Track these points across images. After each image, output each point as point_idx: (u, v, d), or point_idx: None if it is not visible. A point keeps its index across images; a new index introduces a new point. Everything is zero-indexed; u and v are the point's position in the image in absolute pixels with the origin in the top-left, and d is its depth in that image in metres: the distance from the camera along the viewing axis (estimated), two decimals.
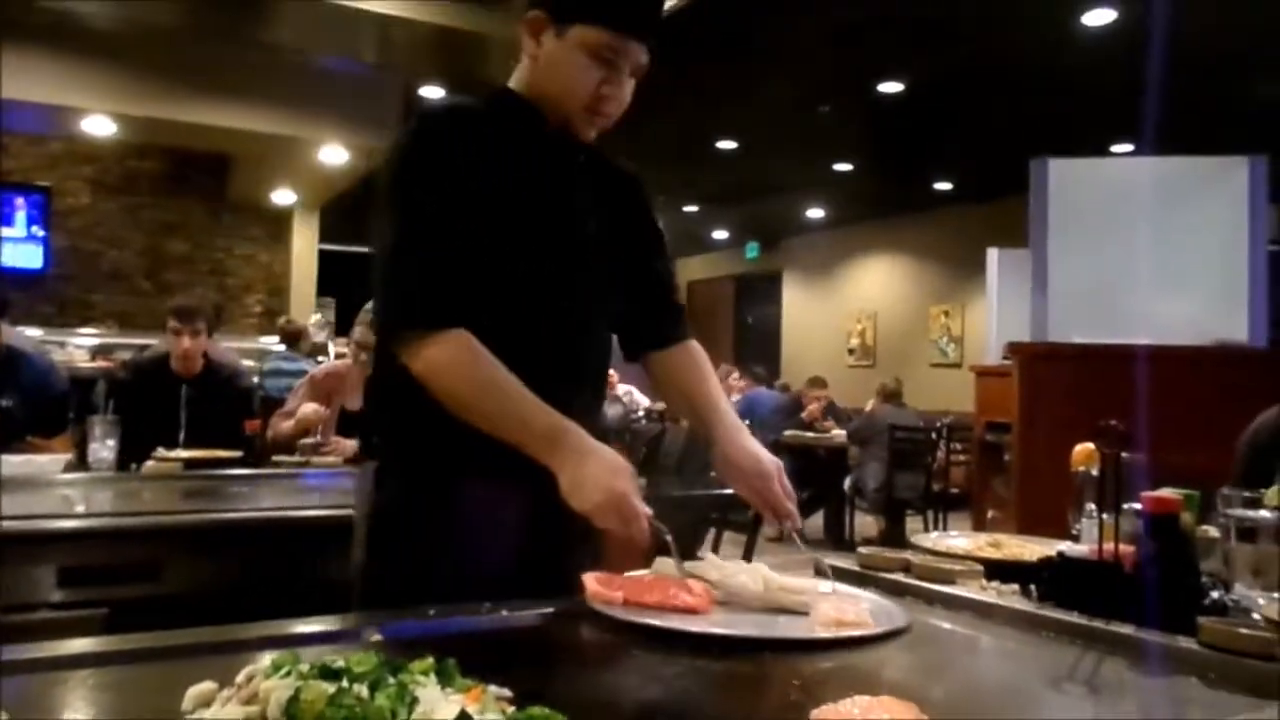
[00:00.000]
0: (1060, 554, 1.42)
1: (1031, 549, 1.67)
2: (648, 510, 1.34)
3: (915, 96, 7.61)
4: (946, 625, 1.30)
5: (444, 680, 0.83)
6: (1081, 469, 1.73)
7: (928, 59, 6.86)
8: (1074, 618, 1.25)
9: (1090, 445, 1.74)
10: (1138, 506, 1.38)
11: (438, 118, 1.53)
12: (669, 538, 1.38)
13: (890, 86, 7.42)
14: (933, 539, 1.78)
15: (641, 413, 9.49)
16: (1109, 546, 1.34)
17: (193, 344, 3.63)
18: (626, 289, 1.70)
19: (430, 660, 0.86)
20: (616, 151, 1.78)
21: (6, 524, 2.19)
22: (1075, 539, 1.65)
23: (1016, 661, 1.20)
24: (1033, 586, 1.41)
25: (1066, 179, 4.14)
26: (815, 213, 13.10)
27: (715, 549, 4.13)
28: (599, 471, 1.34)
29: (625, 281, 1.69)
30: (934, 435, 7.65)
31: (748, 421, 5.98)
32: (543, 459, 1.37)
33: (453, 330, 1.41)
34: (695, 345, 1.78)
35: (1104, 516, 1.39)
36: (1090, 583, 1.32)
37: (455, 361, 1.41)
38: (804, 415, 8.25)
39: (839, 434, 8.13)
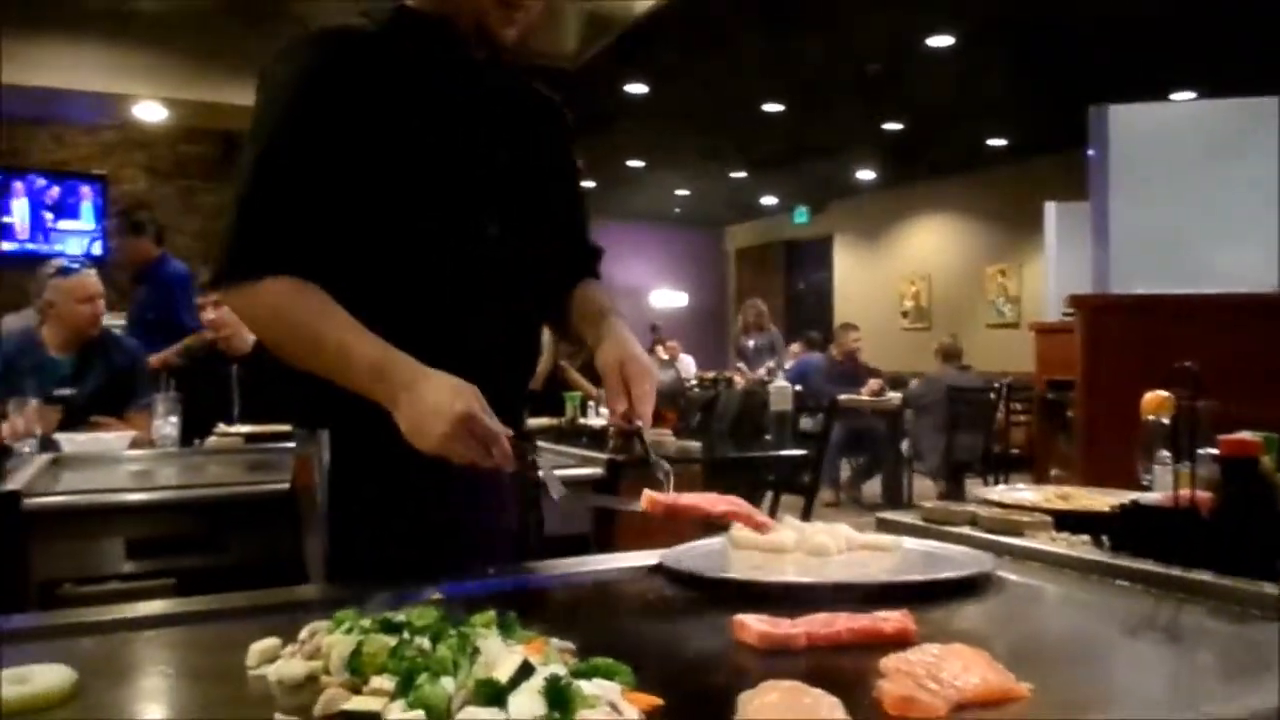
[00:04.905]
0: (1133, 502, 1.37)
1: (1101, 500, 1.62)
2: (506, 429, 1.19)
3: (966, 50, 7.43)
4: (1016, 577, 1.26)
5: (505, 633, 0.82)
6: (1152, 417, 1.68)
7: (978, 9, 6.69)
8: (1150, 566, 1.21)
9: (1161, 393, 1.69)
10: (1213, 452, 1.33)
11: (302, 45, 1.35)
12: (665, 475, 1.30)
13: (940, 40, 7.25)
14: (999, 492, 1.74)
15: (694, 379, 9.46)
16: (1185, 493, 1.30)
17: (217, 314, 3.69)
18: (542, 232, 1.51)
19: (491, 613, 0.85)
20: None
21: (76, 498, 2.24)
22: (1145, 490, 1.61)
23: (1091, 611, 1.16)
24: (1104, 537, 1.37)
25: (1128, 126, 4.01)
26: (865, 174, 12.91)
27: (772, 512, 4.11)
28: (436, 398, 1.17)
29: (541, 223, 1.50)
30: (993, 395, 7.53)
31: (799, 388, 5.88)
32: (377, 400, 1.21)
33: (276, 277, 1.26)
34: (595, 280, 1.61)
35: (1179, 463, 1.34)
36: (1166, 530, 1.27)
37: (275, 305, 1.27)
38: (864, 391, 8.12)
39: (894, 397, 8.04)
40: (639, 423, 1.36)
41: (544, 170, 1.52)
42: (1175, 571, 1.18)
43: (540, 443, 3.21)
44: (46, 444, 2.99)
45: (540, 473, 1.30)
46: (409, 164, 1.33)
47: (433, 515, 1.34)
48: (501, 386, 1.25)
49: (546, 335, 4.67)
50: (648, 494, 1.23)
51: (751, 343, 9.92)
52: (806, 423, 5.91)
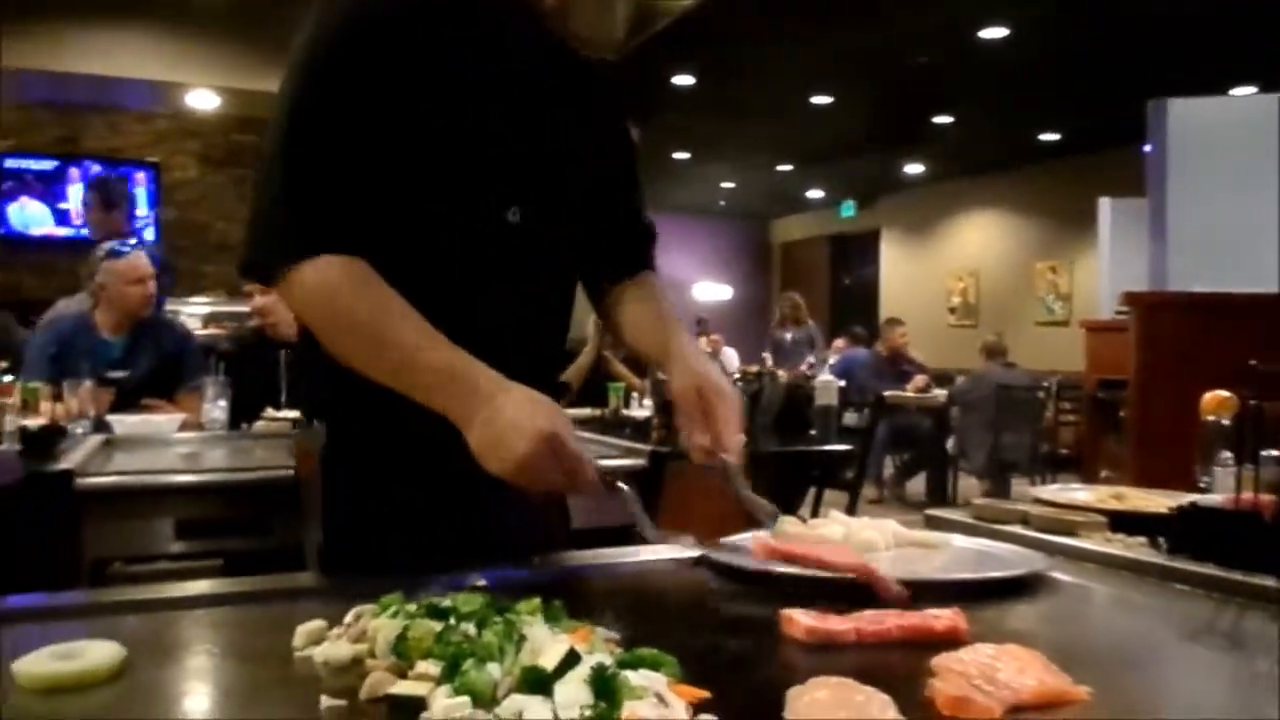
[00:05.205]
0: (1193, 504, 1.33)
1: (1157, 501, 1.58)
2: (589, 455, 1.09)
3: (1020, 42, 7.30)
4: (1069, 578, 1.23)
5: (551, 620, 0.82)
6: (1211, 418, 1.64)
7: (1033, 1, 6.57)
8: (1210, 569, 1.18)
9: (1223, 393, 1.64)
10: (1277, 454, 1.29)
11: (331, 9, 1.22)
12: (770, 517, 1.22)
13: (993, 32, 7.14)
14: (1051, 491, 1.70)
15: (737, 373, 9.42)
16: (1247, 496, 1.26)
17: (264, 300, 3.73)
18: (595, 215, 1.41)
19: (537, 601, 0.84)
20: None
21: (128, 479, 2.27)
22: (1203, 492, 1.56)
23: (1148, 614, 1.13)
24: (1161, 539, 1.34)
25: (1187, 121, 3.92)
26: (914, 168, 12.77)
27: (815, 509, 4.08)
28: (517, 414, 1.05)
29: (594, 205, 1.40)
30: (1041, 394, 7.42)
31: (844, 383, 5.84)
32: (445, 413, 1.08)
33: (326, 256, 1.14)
34: (654, 276, 1.49)
35: (1241, 465, 1.30)
36: (1227, 533, 1.23)
37: (323, 290, 1.14)
38: (909, 388, 8.03)
39: (940, 394, 7.95)
40: (726, 457, 1.22)
41: (588, 147, 1.39)
42: (1237, 576, 1.15)
43: (583, 434, 3.21)
44: (99, 425, 3.04)
45: (634, 511, 1.18)
46: (435, 141, 1.22)
47: (429, 511, 1.25)
48: (526, 378, 1.12)
49: (591, 327, 4.68)
50: (759, 540, 1.17)
51: (789, 336, 9.85)
52: (850, 418, 5.86)
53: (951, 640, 0.90)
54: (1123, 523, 1.42)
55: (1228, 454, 1.50)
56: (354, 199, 1.18)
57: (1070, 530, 1.38)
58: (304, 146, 1.18)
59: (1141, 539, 1.36)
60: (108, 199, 4.83)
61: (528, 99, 1.30)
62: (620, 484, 1.15)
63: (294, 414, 3.40)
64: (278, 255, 1.17)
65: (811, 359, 9.42)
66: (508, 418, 1.05)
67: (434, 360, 1.09)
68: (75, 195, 8.83)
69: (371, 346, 1.13)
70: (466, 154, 1.24)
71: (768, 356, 9.88)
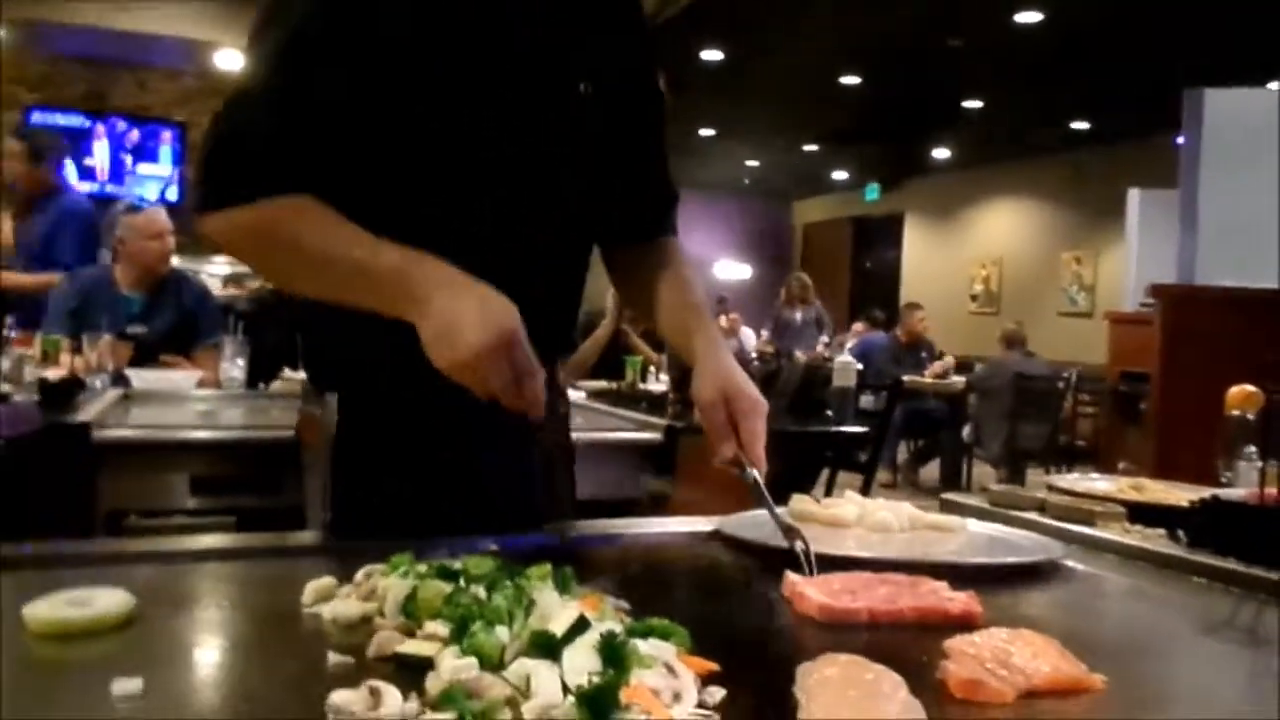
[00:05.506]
0: (1214, 497, 1.31)
1: (1177, 494, 1.56)
2: (541, 371, 1.03)
3: (1054, 26, 7.20)
4: (1085, 567, 1.22)
5: (561, 587, 0.81)
6: (1236, 412, 1.62)
7: None
8: (1229, 564, 1.16)
9: (1249, 387, 1.62)
10: None
11: None
12: (805, 554, 1.04)
13: (1028, 16, 7.04)
14: (1070, 480, 1.68)
15: (754, 354, 9.40)
16: (1271, 491, 1.24)
17: None
18: (612, 162, 1.32)
19: (548, 566, 0.83)
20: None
21: (144, 433, 2.29)
22: (1224, 486, 1.55)
23: (1165, 606, 1.12)
24: (1180, 531, 1.32)
25: (1223, 113, 3.86)
26: (941, 153, 12.65)
27: (829, 489, 4.07)
28: (472, 305, 1.00)
29: (612, 151, 1.31)
30: (1061, 385, 7.37)
31: (861, 367, 5.80)
32: (400, 313, 1.02)
33: (282, 198, 1.08)
34: (677, 243, 1.42)
35: (1266, 460, 1.28)
36: (1249, 528, 1.21)
37: (266, 228, 1.08)
38: (928, 373, 7.97)
39: (958, 380, 7.91)
40: (752, 470, 1.15)
41: (612, 93, 1.29)
42: (1257, 571, 1.13)
43: (599, 405, 3.21)
44: (117, 379, 3.06)
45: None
46: (443, 75, 1.13)
47: (438, 484, 1.20)
48: (536, 335, 1.05)
49: (611, 300, 4.66)
50: (795, 585, 0.96)
51: (798, 315, 9.78)
52: (867, 401, 5.84)
53: (965, 624, 0.89)
54: (1142, 514, 1.40)
55: (1252, 449, 1.48)
56: (308, 138, 1.10)
57: (1088, 519, 1.36)
58: (302, 61, 1.09)
59: (1160, 531, 1.34)
60: (37, 151, 4.58)
61: (551, 28, 1.22)
62: (563, 403, 1.11)
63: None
64: (222, 195, 1.10)
65: (826, 339, 9.38)
66: (462, 307, 1.00)
67: (386, 261, 1.03)
68: (100, 152, 8.87)
69: (315, 265, 1.08)
70: (482, 89, 1.16)
71: (764, 333, 9.83)
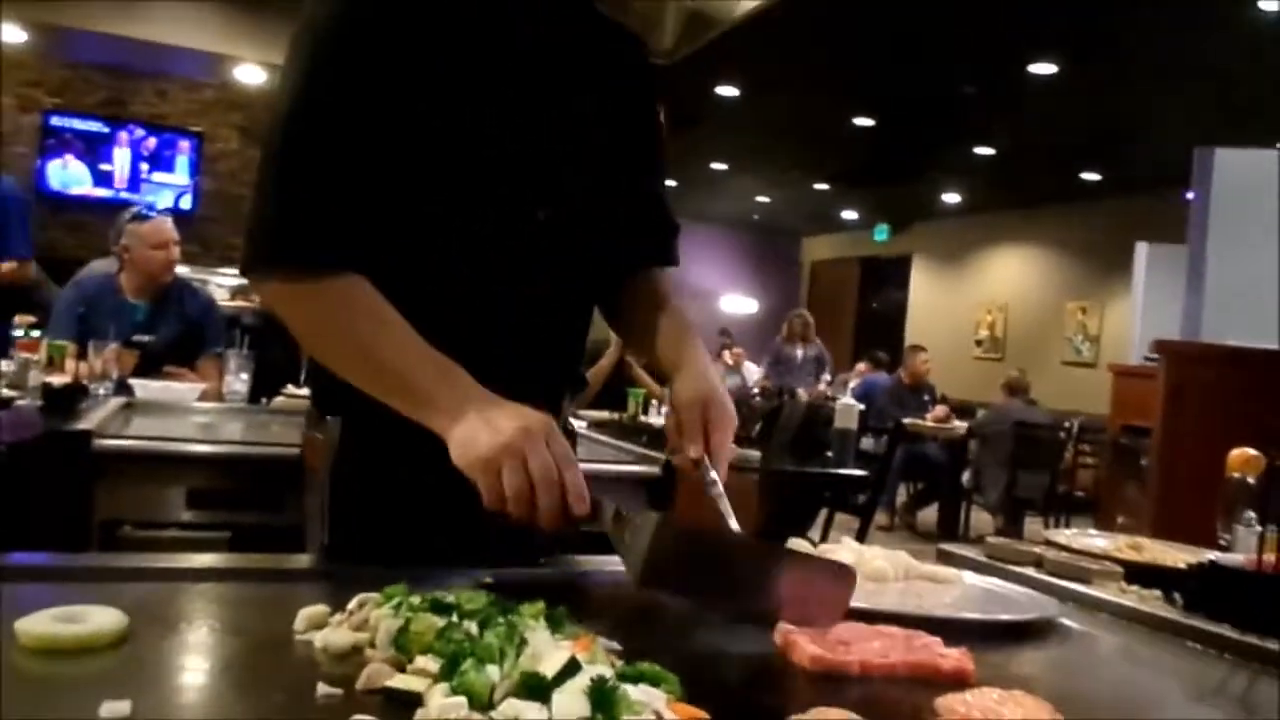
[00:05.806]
0: (1211, 562, 1.31)
1: (1175, 555, 1.55)
2: (575, 464, 1.02)
3: (1069, 79, 7.26)
4: (1080, 626, 1.21)
5: (554, 626, 0.81)
6: (1237, 475, 1.61)
7: (1087, 40, 6.52)
8: (1225, 630, 1.15)
9: (1250, 450, 1.62)
10: None
11: None
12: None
13: (1043, 68, 7.10)
14: (1068, 535, 1.68)
15: (757, 389, 9.40)
16: (1270, 558, 1.24)
17: None
18: (614, 200, 1.33)
19: (541, 604, 0.83)
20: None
21: (144, 443, 2.29)
22: (1223, 549, 1.54)
23: (1159, 671, 1.11)
24: (1177, 594, 1.31)
25: (1233, 172, 3.88)
26: (951, 197, 12.71)
27: (826, 531, 4.06)
28: (501, 412, 1.02)
29: (605, 200, 1.32)
30: (1062, 434, 7.36)
31: (863, 407, 5.79)
32: (430, 425, 1.05)
33: (337, 278, 1.10)
34: (669, 275, 1.42)
35: (1265, 526, 1.28)
36: (1246, 595, 1.21)
37: (329, 313, 1.12)
38: (929, 417, 7.96)
39: (959, 424, 7.89)
40: (713, 476, 1.17)
41: (617, 131, 1.33)
42: (1252, 639, 1.12)
43: (599, 436, 3.21)
44: (121, 387, 3.06)
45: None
46: (453, 136, 1.16)
47: (437, 512, 1.18)
48: (540, 382, 1.10)
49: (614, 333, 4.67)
50: (788, 635, 0.94)
51: (799, 352, 9.75)
52: (867, 443, 5.83)
53: (958, 681, 0.89)
54: (1139, 574, 1.40)
55: (1251, 514, 1.47)
56: (359, 202, 1.12)
57: (1084, 577, 1.36)
58: (306, 146, 1.12)
59: (1157, 593, 1.34)
60: None
61: (552, 87, 1.24)
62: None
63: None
64: (276, 264, 1.14)
65: (828, 378, 9.36)
66: (494, 413, 1.02)
67: (422, 379, 1.07)
68: (120, 158, 8.93)
69: (359, 360, 1.12)
70: (489, 149, 1.19)
71: (756, 367, 9.80)
